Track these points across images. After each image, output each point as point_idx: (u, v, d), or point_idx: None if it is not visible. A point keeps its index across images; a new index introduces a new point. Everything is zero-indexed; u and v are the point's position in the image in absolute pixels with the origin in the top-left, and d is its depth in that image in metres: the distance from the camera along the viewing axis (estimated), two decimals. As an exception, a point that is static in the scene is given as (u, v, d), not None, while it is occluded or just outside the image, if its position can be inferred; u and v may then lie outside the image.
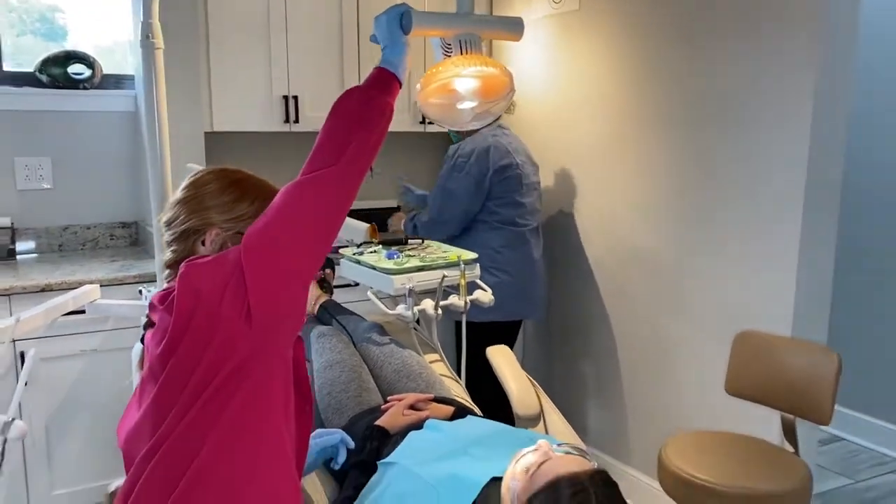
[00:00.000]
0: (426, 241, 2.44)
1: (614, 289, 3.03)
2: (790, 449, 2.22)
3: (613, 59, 2.94)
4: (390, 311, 2.15)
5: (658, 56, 2.74)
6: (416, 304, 2.13)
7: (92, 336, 2.64)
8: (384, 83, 1.32)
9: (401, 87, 1.35)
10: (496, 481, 1.34)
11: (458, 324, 2.74)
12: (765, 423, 2.41)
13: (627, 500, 2.38)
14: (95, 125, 3.14)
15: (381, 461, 1.55)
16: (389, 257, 2.20)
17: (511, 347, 2.81)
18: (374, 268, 2.14)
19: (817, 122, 2.25)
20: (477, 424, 1.66)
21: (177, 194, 1.45)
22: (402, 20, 1.35)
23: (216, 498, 1.19)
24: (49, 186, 3.08)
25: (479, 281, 2.29)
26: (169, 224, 1.43)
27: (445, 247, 2.40)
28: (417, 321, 2.33)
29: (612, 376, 3.09)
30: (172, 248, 1.42)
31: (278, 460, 1.25)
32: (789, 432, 2.23)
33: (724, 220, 2.54)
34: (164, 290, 1.33)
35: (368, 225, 2.33)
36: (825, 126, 2.27)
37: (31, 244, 3.06)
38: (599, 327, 3.13)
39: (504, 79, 1.39)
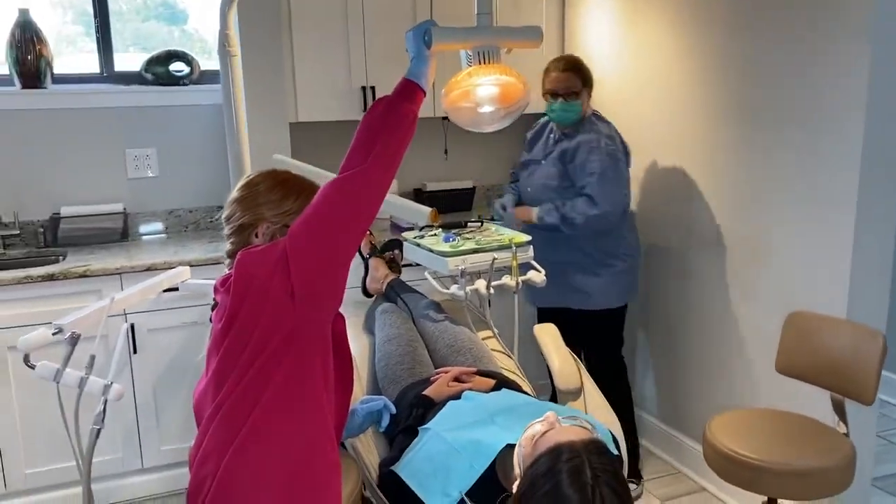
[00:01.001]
0: (485, 224, 2.56)
1: (676, 268, 3.08)
2: (842, 429, 2.25)
3: (677, 46, 2.96)
4: (445, 291, 2.31)
5: (719, 44, 2.75)
6: (470, 285, 2.28)
7: (191, 310, 2.95)
8: (408, 92, 1.48)
9: (424, 95, 1.50)
10: (511, 447, 1.49)
11: (544, 311, 3.07)
12: (816, 403, 2.43)
13: (641, 472, 2.49)
14: (194, 117, 3.44)
15: (421, 427, 1.73)
16: (446, 240, 2.36)
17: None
18: (431, 250, 2.31)
19: (872, 108, 2.23)
20: (509, 396, 1.82)
21: (233, 194, 1.66)
22: (425, 36, 1.49)
23: (267, 448, 1.41)
24: (155, 174, 3.42)
25: (533, 262, 2.41)
26: (227, 220, 1.65)
27: (503, 230, 2.53)
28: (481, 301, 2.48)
29: (669, 349, 3.15)
30: (231, 240, 1.64)
31: (317, 416, 1.46)
32: (839, 411, 2.25)
33: (780, 203, 2.55)
34: (224, 275, 1.56)
35: (430, 209, 2.48)
36: (881, 109, 2.24)
37: (149, 227, 3.42)
38: (660, 304, 3.19)
39: (519, 86, 1.52)
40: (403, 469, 1.58)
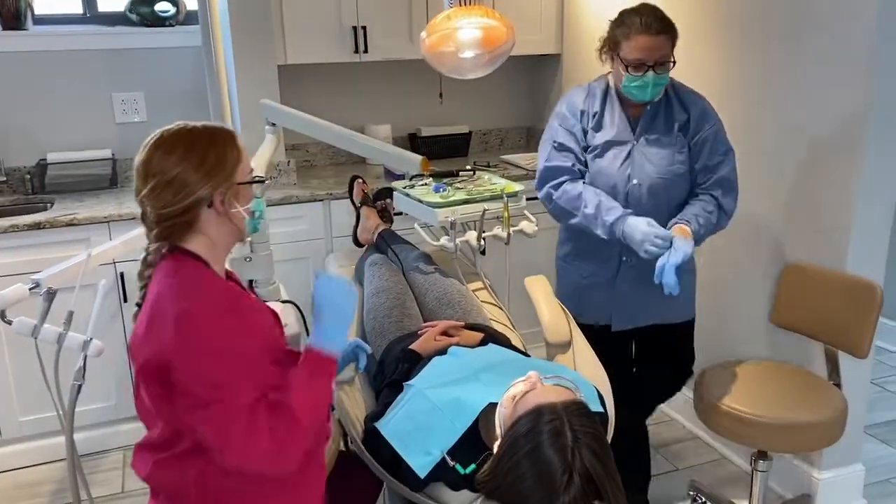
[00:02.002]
0: (477, 174, 2.47)
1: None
2: (835, 381, 2.23)
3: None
4: (434, 243, 2.27)
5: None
6: (460, 236, 2.23)
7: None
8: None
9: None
10: (494, 406, 1.47)
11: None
12: (811, 356, 2.41)
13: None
14: (182, 59, 3.34)
15: (406, 382, 1.71)
16: (436, 190, 2.29)
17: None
18: (420, 201, 2.24)
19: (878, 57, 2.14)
20: (495, 352, 1.79)
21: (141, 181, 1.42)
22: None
23: None
24: (143, 119, 3.35)
25: (526, 212, 2.33)
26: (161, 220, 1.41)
27: (496, 179, 2.45)
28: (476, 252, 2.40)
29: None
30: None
31: None
32: (832, 364, 2.23)
33: (780, 151, 2.48)
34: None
35: (421, 158, 2.40)
36: (888, 47, 2.15)
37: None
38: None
39: (503, 29, 1.44)
40: (385, 427, 1.57)
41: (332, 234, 3.10)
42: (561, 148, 2.25)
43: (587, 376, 1.87)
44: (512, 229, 2.27)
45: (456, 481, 1.48)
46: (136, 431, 3.01)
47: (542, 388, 1.39)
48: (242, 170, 1.46)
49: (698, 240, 2.12)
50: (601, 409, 1.61)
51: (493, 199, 2.24)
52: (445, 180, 2.41)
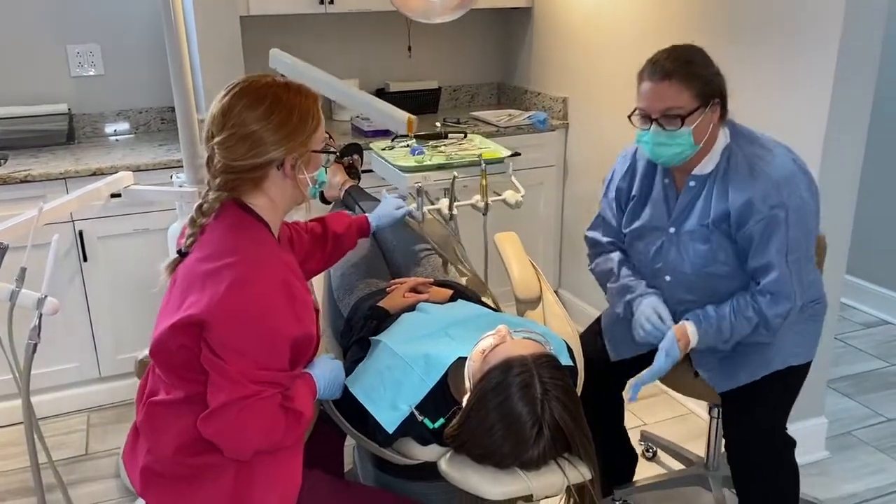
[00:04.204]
0: (469, 136, 2.35)
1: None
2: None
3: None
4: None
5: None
6: (432, 204, 2.13)
7: (144, 217, 2.83)
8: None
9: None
10: (463, 360, 1.45)
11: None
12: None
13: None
14: (138, 9, 3.21)
15: (373, 338, 1.68)
16: (414, 153, 2.19)
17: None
18: (392, 164, 2.15)
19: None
20: (464, 308, 1.76)
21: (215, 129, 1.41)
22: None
23: None
24: (101, 73, 3.23)
25: (514, 180, 2.20)
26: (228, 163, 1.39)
27: (489, 143, 2.30)
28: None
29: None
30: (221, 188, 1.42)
31: None
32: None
33: (752, 87, 2.43)
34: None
35: (408, 117, 2.25)
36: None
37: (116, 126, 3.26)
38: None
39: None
40: (353, 383, 1.54)
41: (298, 191, 3.04)
42: (602, 221, 2.06)
43: (557, 331, 1.86)
44: (492, 199, 2.15)
45: (425, 436, 1.47)
46: (102, 392, 2.96)
47: (511, 341, 1.37)
48: (318, 137, 1.44)
49: (704, 345, 1.83)
50: (570, 363, 1.60)
51: (472, 164, 2.14)
52: (431, 142, 2.28)
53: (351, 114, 3.44)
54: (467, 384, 1.39)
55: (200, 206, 1.41)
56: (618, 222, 2.01)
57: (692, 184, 1.82)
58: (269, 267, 1.34)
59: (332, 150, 1.48)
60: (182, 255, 1.42)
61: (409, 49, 3.61)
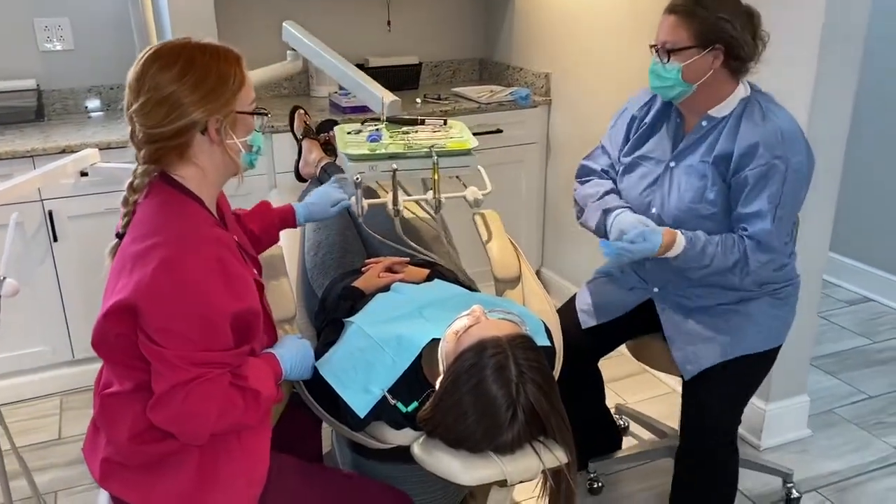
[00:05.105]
0: (449, 123, 2.14)
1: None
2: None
3: None
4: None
5: None
6: (409, 195, 2.00)
7: (117, 196, 2.74)
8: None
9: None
10: (437, 342, 1.40)
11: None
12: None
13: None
14: (109, -17, 3.12)
15: (346, 319, 1.63)
16: (371, 140, 1.99)
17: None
18: (343, 151, 1.96)
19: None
20: (440, 288, 1.72)
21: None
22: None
23: None
24: (70, 47, 3.13)
25: (483, 173, 2.02)
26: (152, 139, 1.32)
27: (467, 134, 2.04)
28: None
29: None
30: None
31: None
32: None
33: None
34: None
35: (392, 100, 2.15)
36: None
37: (61, 104, 3.17)
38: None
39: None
40: (323, 366, 1.49)
41: (274, 169, 2.96)
42: (601, 151, 2.08)
43: (536, 310, 1.82)
44: (447, 196, 1.92)
45: (398, 420, 1.42)
46: (77, 376, 2.90)
47: (486, 321, 1.32)
48: (244, 97, 1.36)
49: (682, 263, 1.79)
50: (548, 343, 1.56)
51: (427, 157, 1.89)
52: (403, 128, 2.09)
53: (329, 89, 3.37)
54: (441, 367, 1.35)
55: (131, 183, 1.36)
56: (618, 153, 2.02)
57: (704, 123, 1.85)
58: (199, 244, 1.29)
59: (262, 111, 1.41)
60: (120, 237, 1.36)
61: (389, 23, 3.53)
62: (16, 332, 2.75)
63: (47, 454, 2.55)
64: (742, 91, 1.83)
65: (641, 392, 2.85)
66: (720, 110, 1.83)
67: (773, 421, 2.53)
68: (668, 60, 1.76)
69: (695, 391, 1.94)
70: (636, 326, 2.12)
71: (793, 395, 2.56)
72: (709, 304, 1.94)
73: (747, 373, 1.94)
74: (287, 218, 1.84)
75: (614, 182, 2.02)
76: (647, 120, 1.97)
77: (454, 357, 1.29)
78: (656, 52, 1.80)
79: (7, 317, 1.64)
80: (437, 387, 1.32)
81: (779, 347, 1.96)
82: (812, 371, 2.82)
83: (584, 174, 2.09)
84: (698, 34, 1.73)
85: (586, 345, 2.09)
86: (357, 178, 1.81)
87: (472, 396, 1.23)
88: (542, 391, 1.24)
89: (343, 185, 1.92)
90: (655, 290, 2.01)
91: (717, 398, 1.91)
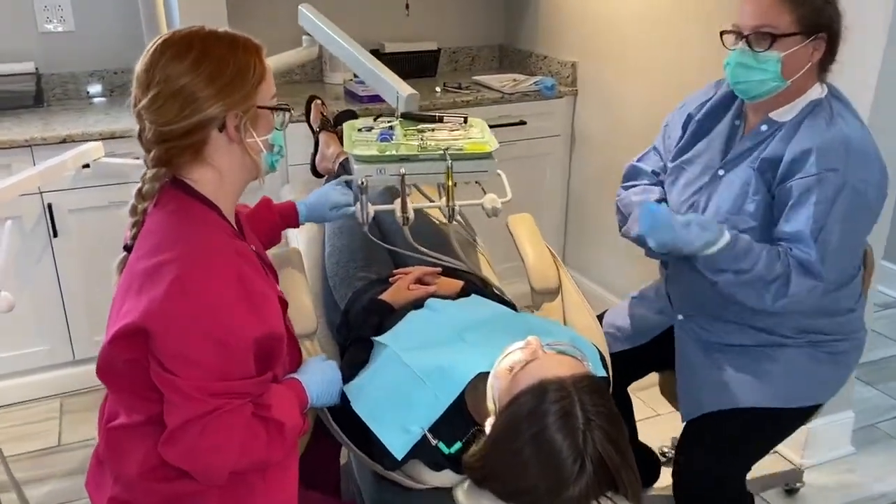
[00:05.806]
0: (470, 121, 1.95)
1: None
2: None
3: None
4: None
5: None
6: (431, 201, 1.85)
7: (119, 188, 2.60)
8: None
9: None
10: (483, 376, 1.25)
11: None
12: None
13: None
14: (113, -40, 2.94)
15: (376, 338, 1.48)
16: (382, 139, 1.82)
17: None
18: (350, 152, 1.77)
19: None
20: (478, 306, 1.56)
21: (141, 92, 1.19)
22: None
23: None
24: (71, 29, 2.96)
25: (504, 179, 1.83)
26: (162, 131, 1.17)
27: (488, 135, 1.85)
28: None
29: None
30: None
31: None
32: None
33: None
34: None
35: (410, 93, 2.00)
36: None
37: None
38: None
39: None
40: (355, 398, 1.34)
41: (287, 161, 2.80)
42: (653, 152, 1.87)
43: (580, 327, 1.67)
44: (463, 203, 1.74)
45: (438, 461, 1.27)
46: (78, 376, 2.75)
47: (544, 356, 1.16)
48: (265, 91, 1.21)
49: (723, 260, 1.50)
50: (604, 373, 1.41)
51: (441, 160, 1.70)
52: (419, 127, 1.86)
53: (344, 76, 3.19)
54: (490, 405, 1.19)
55: (140, 189, 1.21)
56: (670, 156, 1.81)
57: (763, 128, 1.60)
58: (217, 259, 1.14)
59: (285, 106, 1.26)
60: (128, 250, 1.22)
61: (407, 7, 3.35)
62: (12, 332, 2.61)
63: (46, 463, 2.41)
64: (817, 92, 1.57)
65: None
66: (785, 113, 1.57)
67: (816, 437, 2.38)
68: (768, 48, 1.47)
69: (687, 437, 1.72)
70: (665, 357, 1.85)
71: (838, 410, 2.41)
72: (733, 343, 1.69)
73: (756, 429, 1.65)
74: (289, 216, 1.69)
75: (664, 187, 1.84)
76: (699, 118, 1.74)
77: (509, 399, 1.13)
78: (743, 39, 1.50)
79: (2, 316, 1.51)
80: (489, 431, 1.16)
81: (810, 408, 1.70)
82: (853, 383, 2.68)
83: (631, 176, 1.88)
84: (803, 18, 1.47)
85: (617, 371, 1.89)
86: (362, 182, 1.63)
87: (534, 447, 1.08)
88: (612, 440, 1.08)
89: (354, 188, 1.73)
90: (679, 317, 1.79)
91: (707, 451, 1.65)
